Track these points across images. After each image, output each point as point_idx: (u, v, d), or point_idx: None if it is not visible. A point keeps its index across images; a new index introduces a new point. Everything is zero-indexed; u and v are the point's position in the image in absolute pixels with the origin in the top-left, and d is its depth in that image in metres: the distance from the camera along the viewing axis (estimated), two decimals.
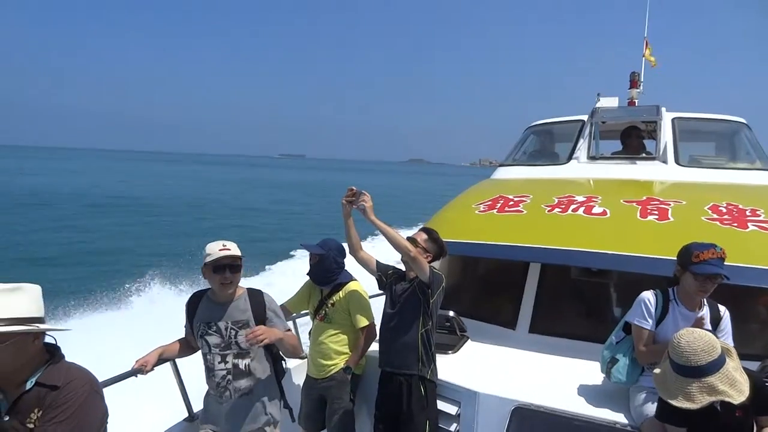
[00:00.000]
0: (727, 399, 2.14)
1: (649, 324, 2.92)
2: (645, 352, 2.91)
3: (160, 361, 2.93)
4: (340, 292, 3.48)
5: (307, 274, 3.59)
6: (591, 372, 3.30)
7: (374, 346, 3.57)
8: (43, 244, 22.31)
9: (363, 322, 3.45)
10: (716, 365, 2.18)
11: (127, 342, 6.81)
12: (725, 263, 2.77)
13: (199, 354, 3.00)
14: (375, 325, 3.54)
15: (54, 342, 1.86)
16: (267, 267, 17.97)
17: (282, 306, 3.59)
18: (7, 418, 1.68)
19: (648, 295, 2.98)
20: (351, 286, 3.51)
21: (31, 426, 1.67)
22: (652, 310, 2.93)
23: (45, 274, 16.48)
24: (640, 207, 3.94)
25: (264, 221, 34.20)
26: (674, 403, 2.23)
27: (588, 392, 3.16)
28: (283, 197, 52.91)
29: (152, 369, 2.85)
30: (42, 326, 1.75)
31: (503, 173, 5.71)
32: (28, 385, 1.70)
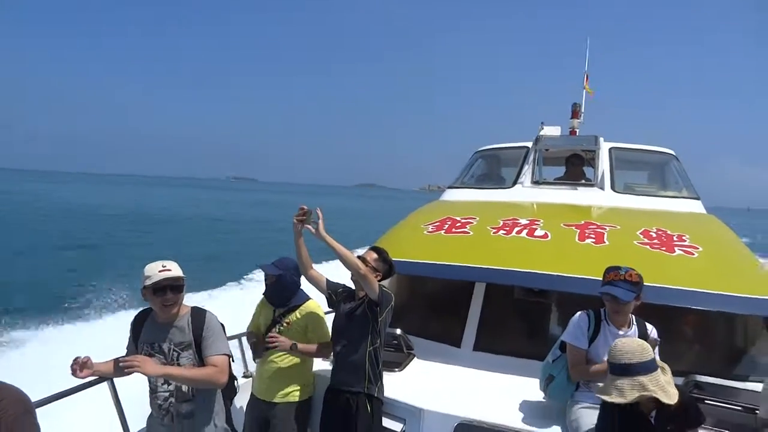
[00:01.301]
0: (657, 396, 2.25)
1: (582, 343, 3.05)
2: (578, 370, 3.04)
3: (99, 380, 2.80)
4: (297, 312, 3.43)
5: (264, 294, 3.53)
6: (532, 388, 3.39)
7: (325, 366, 3.53)
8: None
9: (324, 336, 3.43)
10: (647, 367, 2.31)
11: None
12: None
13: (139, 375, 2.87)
14: (330, 346, 3.46)
15: None
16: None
17: (250, 332, 3.56)
18: None
19: (580, 316, 3.11)
20: (309, 306, 3.46)
21: None
22: (585, 329, 3.06)
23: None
24: (578, 230, 4.14)
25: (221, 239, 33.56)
26: (606, 398, 2.33)
27: (528, 408, 3.25)
28: (238, 217, 51.98)
29: (86, 375, 2.65)
30: None
31: (452, 195, 5.86)
32: None
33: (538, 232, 4.17)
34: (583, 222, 4.33)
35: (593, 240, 3.99)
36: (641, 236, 4.01)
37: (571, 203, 5.08)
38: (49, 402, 2.51)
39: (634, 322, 3.05)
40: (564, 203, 5.09)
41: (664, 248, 3.83)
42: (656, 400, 2.28)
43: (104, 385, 2.92)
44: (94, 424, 3.62)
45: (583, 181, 5.52)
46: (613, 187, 5.19)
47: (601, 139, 5.55)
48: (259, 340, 3.44)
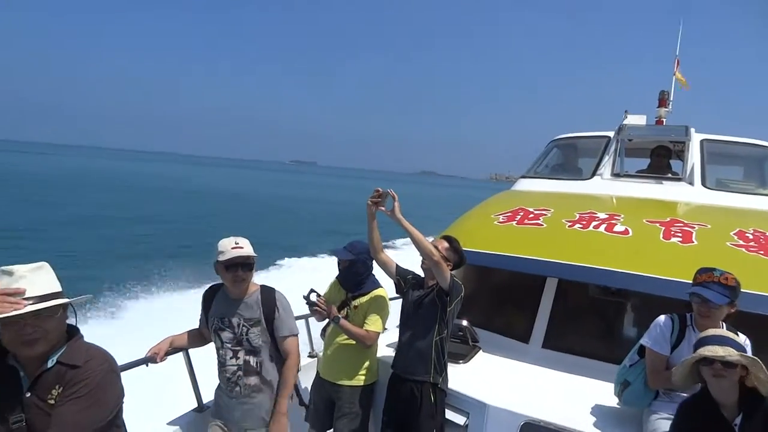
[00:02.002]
0: (759, 374, 2.16)
1: (663, 348, 2.85)
2: (658, 377, 2.85)
3: (173, 350, 2.93)
4: (365, 297, 3.42)
5: (337, 278, 3.55)
6: (603, 392, 3.24)
7: (389, 352, 3.51)
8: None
9: (373, 326, 3.34)
10: (737, 345, 2.22)
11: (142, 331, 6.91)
12: (748, 291, 2.70)
13: (212, 346, 2.99)
14: (378, 337, 3.43)
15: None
16: (278, 262, 18.13)
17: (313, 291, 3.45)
18: (28, 395, 1.69)
19: (664, 319, 2.91)
20: (377, 292, 3.44)
21: (52, 402, 1.68)
22: (668, 334, 2.86)
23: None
24: (663, 228, 3.86)
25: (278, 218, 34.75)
26: (707, 353, 2.23)
27: (600, 413, 3.09)
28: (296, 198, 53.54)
29: (165, 358, 2.87)
30: (73, 298, 1.80)
31: (524, 185, 5.65)
32: (50, 363, 1.72)
33: (618, 228, 3.93)
34: (668, 219, 4.04)
35: (680, 239, 3.71)
36: (735, 237, 3.68)
37: (656, 198, 4.74)
38: (130, 368, 2.64)
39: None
40: (647, 198, 4.76)
41: (762, 252, 3.50)
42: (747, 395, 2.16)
43: (178, 356, 3.06)
44: (170, 391, 3.82)
45: (670, 175, 5.14)
46: (703, 183, 4.79)
47: (692, 130, 5.14)
48: (320, 307, 3.34)
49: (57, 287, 1.75)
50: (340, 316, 3.33)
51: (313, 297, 3.27)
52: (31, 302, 1.63)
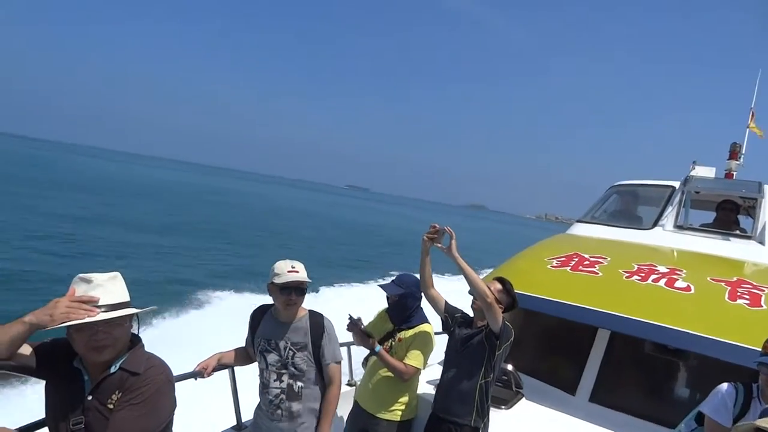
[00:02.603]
0: None
1: (725, 419, 2.66)
2: None
3: (220, 367, 3.00)
4: (411, 330, 3.38)
5: (387, 312, 3.53)
6: None
7: (428, 390, 3.46)
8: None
9: (413, 361, 3.28)
10: None
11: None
12: None
13: (255, 366, 3.03)
14: (419, 373, 3.37)
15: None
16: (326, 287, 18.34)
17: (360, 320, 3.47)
18: (89, 398, 1.77)
19: (728, 388, 2.72)
20: (424, 327, 3.38)
21: (111, 407, 1.76)
22: (731, 405, 2.67)
23: None
24: (729, 288, 3.67)
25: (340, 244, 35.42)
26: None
27: None
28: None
29: (212, 373, 2.93)
30: (142, 309, 1.89)
31: (580, 230, 5.51)
32: (113, 369, 1.80)
33: (679, 284, 3.76)
34: (735, 279, 3.83)
35: (747, 301, 3.50)
36: None
37: (721, 255, 4.51)
38: (179, 380, 2.72)
39: None
40: (712, 254, 4.53)
41: None
42: None
43: (223, 372, 3.12)
44: (212, 405, 3.88)
45: (738, 232, 4.89)
46: None
47: (766, 187, 4.89)
48: (362, 331, 3.35)
49: (127, 297, 1.84)
50: (380, 346, 3.31)
51: (360, 324, 3.29)
52: (104, 310, 1.73)
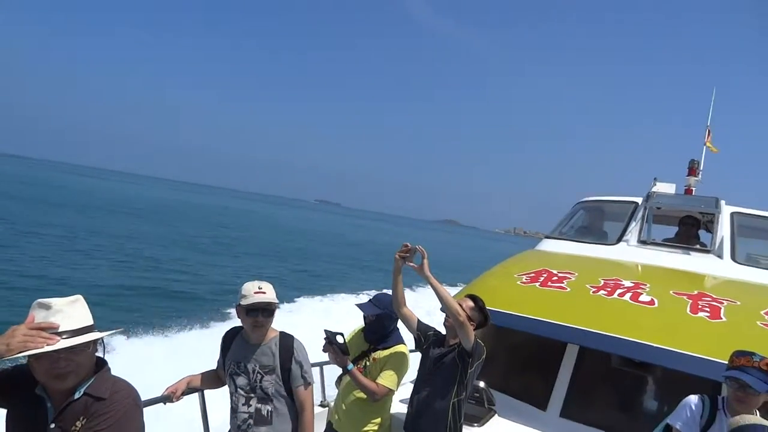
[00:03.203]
0: None
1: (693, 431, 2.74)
2: None
3: (189, 390, 2.93)
4: (387, 351, 3.36)
5: (363, 332, 3.50)
6: None
7: (401, 409, 3.45)
8: None
9: (386, 381, 3.24)
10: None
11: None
12: None
13: (226, 389, 2.97)
14: (392, 394, 3.36)
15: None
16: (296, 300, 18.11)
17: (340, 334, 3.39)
18: (52, 426, 1.71)
19: (694, 400, 2.79)
20: (399, 348, 3.38)
21: None
22: (698, 417, 2.74)
23: None
24: (690, 301, 3.78)
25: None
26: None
27: None
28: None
29: (181, 397, 2.86)
30: (106, 332, 1.83)
31: (548, 246, 5.60)
32: (77, 395, 1.74)
33: (644, 297, 3.85)
34: (696, 292, 3.95)
35: (707, 314, 3.61)
36: (766, 317, 3.57)
37: (683, 269, 4.65)
38: (147, 405, 2.64)
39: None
40: (674, 268, 4.67)
41: None
42: None
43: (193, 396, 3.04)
44: (182, 430, 3.78)
45: (698, 246, 5.06)
46: (733, 257, 4.69)
47: (723, 202, 5.09)
48: (339, 351, 3.26)
49: (89, 321, 1.78)
50: (352, 365, 3.28)
51: (339, 339, 3.23)
52: (65, 336, 1.67)
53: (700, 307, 3.69)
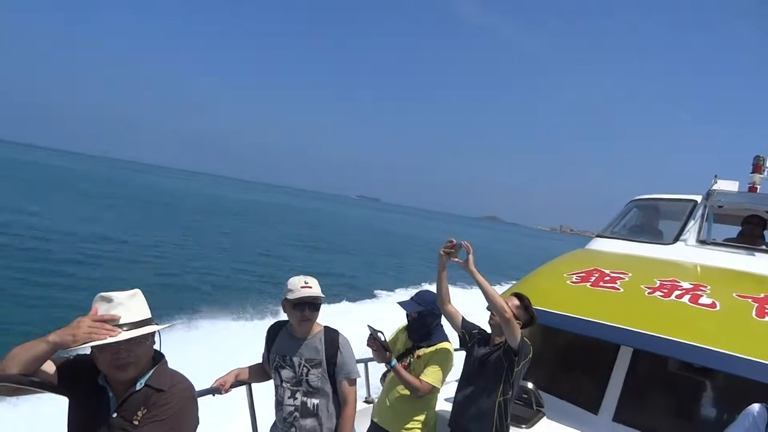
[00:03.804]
0: None
1: None
2: None
3: (237, 383, 2.99)
4: (431, 348, 3.36)
5: (406, 329, 3.52)
6: None
7: (447, 407, 3.42)
8: None
9: (430, 378, 3.25)
10: None
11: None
12: None
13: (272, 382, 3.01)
14: (436, 392, 3.35)
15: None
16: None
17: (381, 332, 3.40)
18: (114, 415, 1.78)
19: (758, 409, 2.65)
20: (443, 345, 3.36)
21: (136, 423, 1.76)
22: (762, 426, 2.60)
23: None
24: (757, 304, 3.57)
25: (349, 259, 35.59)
26: None
27: None
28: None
29: (229, 390, 2.92)
30: (164, 325, 1.90)
31: (600, 245, 5.42)
32: (138, 386, 1.80)
33: (704, 300, 3.67)
34: (762, 295, 3.72)
35: None
36: None
37: (747, 271, 4.40)
38: (199, 396, 2.71)
39: None
40: (737, 270, 4.42)
41: None
42: None
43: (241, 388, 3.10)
44: (230, 422, 3.87)
45: (764, 247, 4.77)
46: None
47: None
48: (381, 347, 3.28)
49: (148, 314, 1.85)
50: (395, 360, 3.28)
51: (381, 337, 3.25)
52: (126, 328, 1.73)
53: (766, 310, 3.49)
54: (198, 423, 1.93)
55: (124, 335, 1.71)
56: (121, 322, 1.74)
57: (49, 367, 1.79)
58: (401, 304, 3.44)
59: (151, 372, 1.84)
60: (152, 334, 1.85)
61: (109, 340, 1.68)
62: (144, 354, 1.81)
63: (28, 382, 1.70)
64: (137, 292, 1.86)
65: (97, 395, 1.81)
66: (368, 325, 3.33)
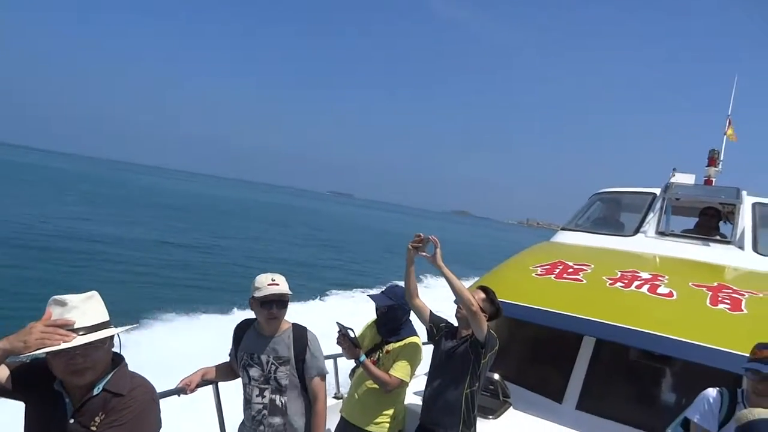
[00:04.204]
0: None
1: (711, 426, 2.69)
2: None
3: (203, 382, 2.95)
4: (399, 342, 3.37)
5: (375, 323, 3.52)
6: None
7: (415, 401, 3.44)
8: None
9: (399, 372, 3.25)
10: None
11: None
12: None
13: (240, 381, 2.99)
14: (405, 386, 3.37)
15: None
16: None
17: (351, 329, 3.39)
18: (72, 421, 1.72)
19: (713, 393, 2.75)
20: (412, 339, 3.38)
21: (94, 429, 1.70)
22: (716, 410, 2.70)
23: None
24: (710, 293, 3.71)
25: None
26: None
27: None
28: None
29: (195, 390, 2.88)
30: (121, 328, 1.84)
31: (564, 237, 5.54)
32: (96, 391, 1.74)
33: (662, 290, 3.80)
34: (716, 284, 3.88)
35: (728, 306, 3.55)
36: None
37: (702, 261, 4.57)
38: (162, 397, 2.66)
39: None
40: (693, 260, 4.59)
41: None
42: None
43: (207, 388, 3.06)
44: (195, 423, 3.81)
45: (718, 237, 4.96)
46: (755, 248, 4.58)
47: (744, 193, 4.98)
48: (352, 344, 3.30)
49: (105, 317, 1.79)
50: (365, 356, 3.29)
51: (350, 334, 3.26)
52: (81, 333, 1.67)
53: (720, 299, 3.63)
54: (160, 426, 1.88)
55: (79, 340, 1.65)
56: (76, 326, 1.67)
57: (3, 371, 1.73)
58: (372, 297, 3.45)
59: (109, 376, 1.78)
60: (110, 337, 1.79)
61: (63, 345, 1.61)
62: (101, 358, 1.75)
63: None
64: (94, 294, 1.80)
65: (53, 401, 1.75)
66: (337, 323, 3.32)
